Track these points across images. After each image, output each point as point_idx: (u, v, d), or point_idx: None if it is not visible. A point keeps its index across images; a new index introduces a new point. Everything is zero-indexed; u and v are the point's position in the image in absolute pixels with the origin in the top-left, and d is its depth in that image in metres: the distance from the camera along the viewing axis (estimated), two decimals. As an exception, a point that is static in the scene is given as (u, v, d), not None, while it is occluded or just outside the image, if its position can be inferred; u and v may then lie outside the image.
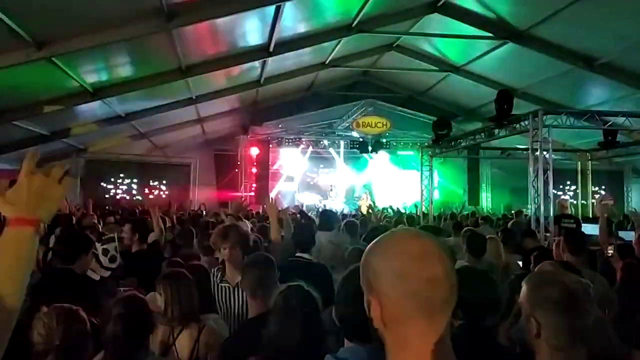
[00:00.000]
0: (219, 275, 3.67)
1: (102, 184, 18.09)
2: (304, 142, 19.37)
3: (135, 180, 18.66)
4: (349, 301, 1.84)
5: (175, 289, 3.01)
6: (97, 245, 3.91)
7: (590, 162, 16.49)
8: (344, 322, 1.85)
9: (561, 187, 18.27)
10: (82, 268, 3.54)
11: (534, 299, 1.82)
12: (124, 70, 10.26)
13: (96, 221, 7.77)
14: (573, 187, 18.05)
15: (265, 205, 6.17)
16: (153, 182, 18.91)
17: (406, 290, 1.06)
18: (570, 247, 4.03)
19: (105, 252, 3.91)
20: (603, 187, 19.57)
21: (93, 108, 11.55)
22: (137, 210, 11.46)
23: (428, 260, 1.07)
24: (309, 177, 21.04)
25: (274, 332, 2.27)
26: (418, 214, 13.70)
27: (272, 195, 16.40)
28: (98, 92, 10.33)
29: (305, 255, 3.85)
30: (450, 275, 1.08)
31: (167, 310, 2.97)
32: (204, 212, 12.38)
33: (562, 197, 16.95)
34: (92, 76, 9.84)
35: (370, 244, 1.18)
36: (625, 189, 20.35)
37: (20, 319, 2.81)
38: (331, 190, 20.34)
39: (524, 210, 12.71)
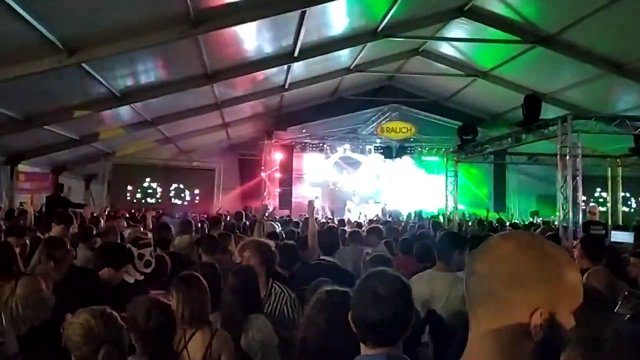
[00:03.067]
0: None
1: (128, 187, 18.41)
2: (328, 148, 19.36)
3: (161, 185, 18.92)
4: (367, 303, 1.81)
5: (187, 291, 3.01)
6: (133, 249, 3.95)
7: (620, 168, 16.08)
8: (361, 325, 1.80)
9: (590, 193, 17.88)
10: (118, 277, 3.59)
11: None
12: (151, 75, 10.43)
13: (125, 224, 7.91)
14: (603, 194, 17.61)
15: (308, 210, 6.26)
16: (178, 186, 19.15)
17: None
18: (587, 253, 3.95)
19: (141, 256, 3.94)
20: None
21: (121, 113, 11.78)
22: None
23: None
24: (333, 183, 20.98)
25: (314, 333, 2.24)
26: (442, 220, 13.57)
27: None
28: (126, 97, 10.52)
29: (329, 259, 3.86)
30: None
31: (177, 312, 2.96)
32: (227, 217, 12.43)
33: (591, 204, 16.58)
34: (120, 82, 10.03)
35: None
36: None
37: (48, 319, 2.85)
38: (354, 195, 20.27)
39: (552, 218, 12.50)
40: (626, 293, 2.66)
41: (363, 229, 8.47)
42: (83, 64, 8.05)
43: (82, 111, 10.37)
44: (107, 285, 3.52)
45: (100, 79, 9.12)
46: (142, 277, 3.69)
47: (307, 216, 5.42)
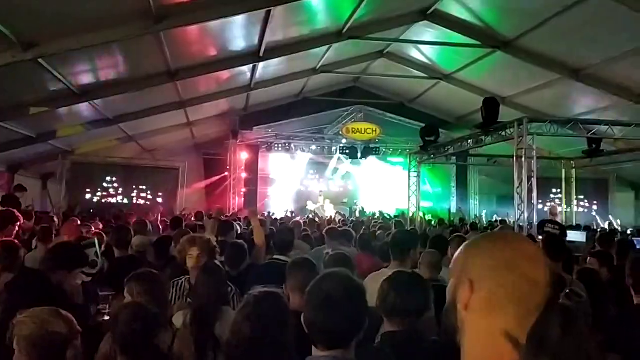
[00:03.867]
0: (188, 287, 3.65)
1: (88, 187, 17.93)
2: (293, 148, 19.37)
3: (122, 184, 18.50)
4: (319, 306, 1.78)
5: (148, 289, 2.96)
6: None
7: (574, 170, 16.66)
8: (312, 328, 1.77)
9: (546, 194, 18.40)
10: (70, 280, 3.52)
11: None
12: (112, 72, 10.21)
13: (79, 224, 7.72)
14: (558, 195, 18.19)
15: (248, 213, 6.49)
16: (141, 185, 18.77)
17: (507, 281, 1.09)
18: (550, 252, 4.05)
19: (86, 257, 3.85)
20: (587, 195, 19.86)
21: (80, 110, 11.47)
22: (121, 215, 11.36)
23: (538, 263, 1.11)
24: (299, 183, 21.02)
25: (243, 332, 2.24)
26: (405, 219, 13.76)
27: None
28: (85, 94, 10.25)
29: (283, 258, 3.86)
30: (548, 284, 1.11)
31: None
32: (192, 217, 12.29)
33: (552, 203, 17.08)
34: (79, 78, 9.77)
35: (478, 238, 1.25)
36: (609, 197, 20.57)
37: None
38: (320, 195, 20.35)
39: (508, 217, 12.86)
40: (567, 291, 2.77)
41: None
42: (39, 59, 7.81)
43: (39, 108, 10.05)
44: (59, 288, 3.44)
45: (58, 75, 8.86)
46: (89, 279, 3.62)
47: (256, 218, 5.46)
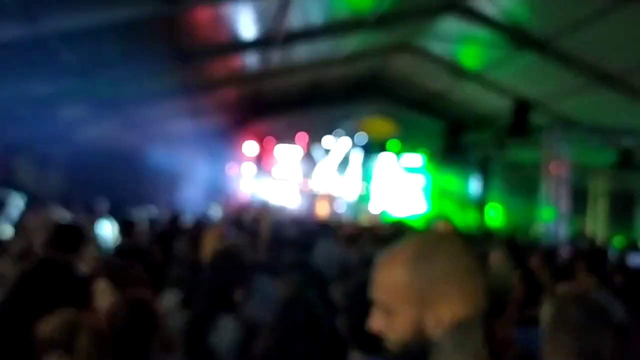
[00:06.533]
0: None
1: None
2: (305, 140, 18.94)
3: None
4: (361, 310, 1.71)
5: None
6: None
7: (603, 182, 16.18)
8: (354, 332, 1.83)
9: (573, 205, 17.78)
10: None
11: (552, 318, 1.83)
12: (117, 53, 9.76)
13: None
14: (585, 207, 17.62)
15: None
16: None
17: None
18: (589, 267, 4.04)
19: None
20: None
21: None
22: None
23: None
24: (308, 178, 20.58)
25: None
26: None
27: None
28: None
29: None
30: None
31: None
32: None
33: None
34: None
35: None
36: (635, 211, 19.91)
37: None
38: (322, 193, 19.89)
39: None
40: None
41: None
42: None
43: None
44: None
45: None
46: None
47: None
